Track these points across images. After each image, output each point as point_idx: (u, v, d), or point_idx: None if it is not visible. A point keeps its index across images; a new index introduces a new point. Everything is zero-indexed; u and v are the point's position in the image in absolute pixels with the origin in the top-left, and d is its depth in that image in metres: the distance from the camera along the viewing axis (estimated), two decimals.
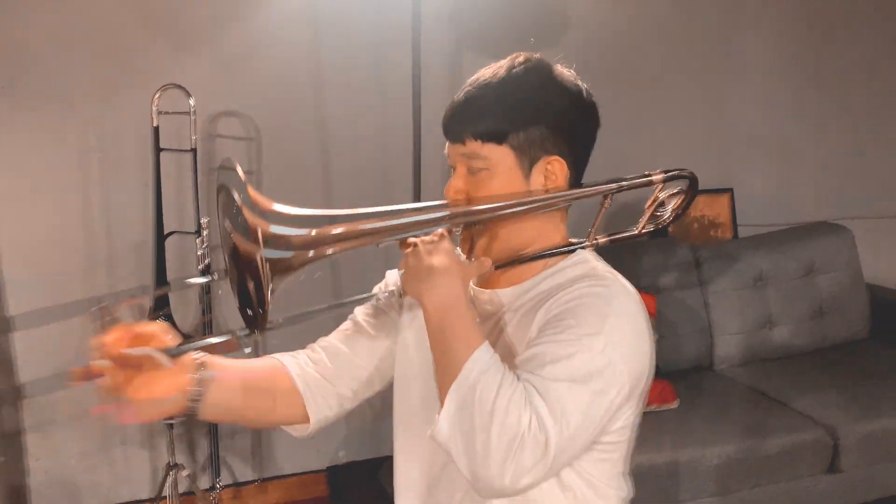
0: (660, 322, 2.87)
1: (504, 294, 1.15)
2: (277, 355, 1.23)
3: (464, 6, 2.83)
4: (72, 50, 2.51)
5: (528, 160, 1.10)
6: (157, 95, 2.35)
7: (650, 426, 2.48)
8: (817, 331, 3.14)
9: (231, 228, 0.98)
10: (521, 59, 1.13)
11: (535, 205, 1.11)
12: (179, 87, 2.36)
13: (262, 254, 0.91)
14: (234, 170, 0.96)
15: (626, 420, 1.10)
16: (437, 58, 2.76)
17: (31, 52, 2.47)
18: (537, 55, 1.14)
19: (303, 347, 1.27)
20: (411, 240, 1.06)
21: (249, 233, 0.92)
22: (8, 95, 2.47)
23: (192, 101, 2.37)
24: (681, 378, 2.85)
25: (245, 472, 2.91)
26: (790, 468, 2.50)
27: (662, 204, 1.20)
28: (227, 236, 1.00)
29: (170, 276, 2.46)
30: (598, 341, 1.00)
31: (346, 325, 1.30)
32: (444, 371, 0.99)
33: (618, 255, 3.00)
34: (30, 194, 2.55)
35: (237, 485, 2.90)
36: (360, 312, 1.29)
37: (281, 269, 0.96)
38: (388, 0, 2.63)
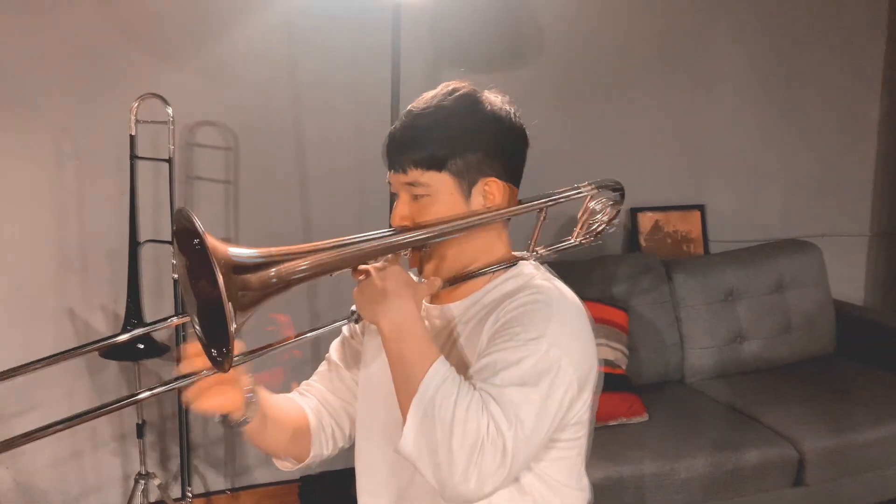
0: (631, 336, 2.92)
1: (454, 308, 1.23)
2: (294, 397, 1.34)
3: (442, 21, 2.87)
4: (49, 58, 2.50)
5: (466, 183, 1.18)
6: (135, 104, 2.35)
7: (619, 439, 2.55)
8: (786, 346, 3.20)
9: (191, 271, 1.04)
10: (450, 88, 1.21)
11: (476, 224, 1.18)
12: (158, 96, 2.37)
13: (225, 297, 0.95)
14: (192, 220, 0.99)
15: (579, 416, 1.16)
16: (416, 72, 2.79)
17: (7, 60, 2.47)
18: (465, 84, 1.22)
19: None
20: (363, 267, 1.13)
21: (213, 278, 0.95)
22: None
23: (170, 111, 2.38)
24: (651, 391, 2.89)
25: (217, 482, 2.91)
26: (757, 482, 2.54)
27: (594, 213, 1.30)
28: (186, 279, 1.05)
29: (144, 285, 2.46)
30: (543, 343, 1.07)
31: (323, 367, 1.39)
32: (405, 387, 1.05)
33: (590, 268, 3.06)
34: (4, 200, 2.54)
35: (209, 494, 2.89)
36: (333, 351, 1.39)
37: (243, 306, 1.00)
38: (367, 13, 2.65)
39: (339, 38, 2.75)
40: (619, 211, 1.32)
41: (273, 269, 1.03)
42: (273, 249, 1.05)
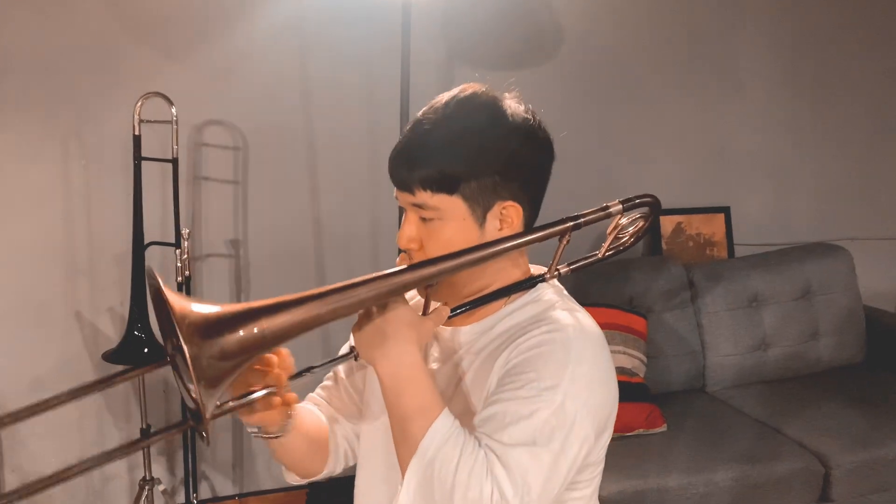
0: (650, 343, 2.82)
1: (465, 332, 1.13)
2: (314, 410, 1.25)
3: (455, 19, 2.79)
4: (55, 58, 2.47)
5: (481, 208, 1.05)
6: (139, 104, 2.30)
7: (636, 451, 2.46)
8: (813, 354, 3.08)
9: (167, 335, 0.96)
10: (467, 93, 1.07)
11: (493, 256, 1.05)
12: (162, 95, 2.32)
13: (194, 377, 0.86)
14: (155, 278, 0.90)
15: (596, 456, 1.08)
16: (427, 70, 2.72)
17: (13, 59, 2.44)
18: (484, 89, 1.08)
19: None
20: None
21: (182, 352, 0.86)
22: None
23: (174, 110, 2.33)
24: (671, 401, 2.80)
25: (226, 487, 2.86)
26: (781, 497, 2.44)
27: (625, 227, 1.18)
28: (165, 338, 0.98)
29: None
30: (558, 395, 0.98)
31: (329, 382, 1.30)
32: (403, 444, 0.97)
33: (609, 272, 2.96)
34: (11, 202, 2.51)
35: (217, 499, 2.85)
36: (340, 366, 1.29)
37: (216, 377, 0.90)
38: (377, 10, 2.59)
39: (350, 36, 2.68)
40: (649, 223, 1.18)
41: (255, 328, 0.91)
42: (254, 304, 0.93)
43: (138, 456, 2.62)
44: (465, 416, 1.03)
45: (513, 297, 1.11)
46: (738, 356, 2.98)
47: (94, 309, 2.61)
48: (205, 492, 2.83)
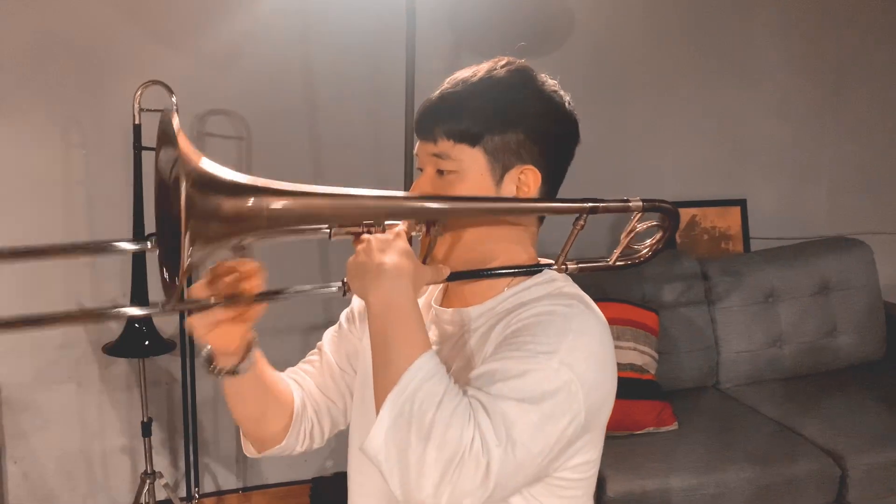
0: (663, 338, 2.75)
1: (466, 313, 1.08)
2: (284, 376, 1.19)
3: (462, 7, 2.72)
4: (55, 46, 2.43)
5: (500, 167, 1.03)
6: (138, 93, 2.26)
7: (645, 450, 2.40)
8: (830, 351, 3.00)
9: (160, 182, 0.91)
10: (503, 62, 1.07)
11: (504, 211, 1.04)
12: (161, 83, 2.28)
13: (184, 214, 0.81)
14: (171, 121, 0.86)
15: (586, 456, 1.03)
16: (434, 58, 2.66)
17: (13, 48, 2.40)
18: (522, 60, 1.08)
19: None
20: (365, 236, 0.98)
21: (174, 189, 0.83)
22: None
23: (174, 99, 2.29)
24: (683, 398, 2.73)
25: (229, 480, 2.84)
26: (793, 499, 2.36)
27: (640, 236, 1.11)
28: (157, 192, 0.93)
29: (149, 278, 2.38)
30: (554, 360, 0.92)
31: (313, 357, 1.24)
32: (384, 377, 0.90)
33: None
34: (12, 192, 2.48)
35: (220, 493, 2.82)
36: (326, 342, 1.24)
37: (204, 236, 0.85)
38: None
39: (355, 25, 2.63)
40: (668, 238, 1.12)
41: (252, 199, 0.88)
42: (258, 180, 0.91)
43: (141, 449, 2.59)
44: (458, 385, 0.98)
45: (517, 279, 1.07)
46: (753, 352, 2.91)
47: (95, 300, 2.58)
48: (208, 485, 2.81)
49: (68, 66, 2.45)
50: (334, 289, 1.00)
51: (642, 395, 2.54)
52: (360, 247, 0.97)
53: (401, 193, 1.02)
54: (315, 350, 1.25)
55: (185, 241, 0.81)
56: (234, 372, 1.03)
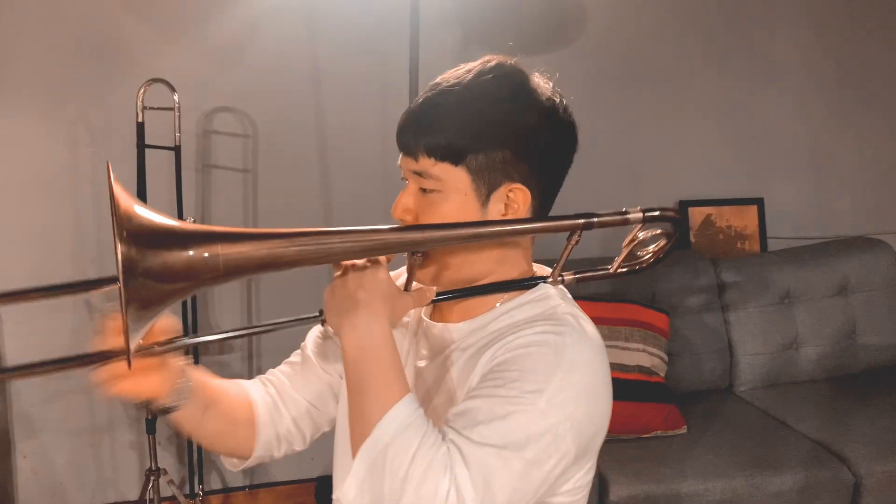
0: (674, 340, 2.70)
1: (455, 329, 1.03)
2: (245, 383, 1.16)
3: (472, 1, 2.69)
4: (62, 44, 2.45)
5: (486, 186, 0.96)
6: (141, 91, 2.26)
7: (651, 454, 2.35)
8: (848, 354, 2.92)
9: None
10: (492, 64, 0.99)
11: (489, 235, 0.96)
12: (164, 81, 2.27)
13: (123, 277, 0.78)
14: (108, 171, 0.83)
15: (577, 482, 0.98)
16: (443, 55, 2.63)
17: (19, 46, 2.42)
18: (512, 61, 1.00)
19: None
20: (345, 262, 0.94)
21: (117, 250, 0.78)
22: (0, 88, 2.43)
23: (176, 97, 2.28)
24: (695, 400, 2.68)
25: (236, 478, 2.84)
26: None
27: (643, 243, 1.04)
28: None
29: None
30: (541, 400, 0.87)
31: (295, 358, 1.21)
32: (358, 425, 0.87)
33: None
34: (20, 189, 2.50)
35: (227, 490, 2.82)
36: (310, 341, 1.20)
37: (149, 298, 0.82)
38: None
39: (361, 19, 2.60)
40: (672, 244, 1.05)
41: (204, 250, 0.82)
42: (213, 227, 0.86)
43: (147, 446, 2.60)
44: (441, 411, 0.95)
45: (510, 295, 1.01)
46: (768, 355, 2.84)
47: (102, 295, 2.58)
48: (215, 482, 2.81)
49: (76, 64, 2.47)
50: (314, 319, 0.97)
51: (650, 398, 2.49)
52: (337, 276, 0.94)
53: (371, 227, 0.93)
54: (298, 351, 1.21)
55: (128, 311, 0.78)
56: (172, 408, 1.01)
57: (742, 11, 3.02)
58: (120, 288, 0.78)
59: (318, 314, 0.96)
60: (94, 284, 0.98)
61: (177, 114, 2.30)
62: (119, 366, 0.91)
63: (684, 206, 3.06)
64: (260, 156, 2.66)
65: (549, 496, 0.95)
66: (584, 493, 1.02)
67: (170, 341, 0.95)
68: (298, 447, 1.19)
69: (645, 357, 2.55)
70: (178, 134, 2.31)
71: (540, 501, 0.94)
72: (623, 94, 2.94)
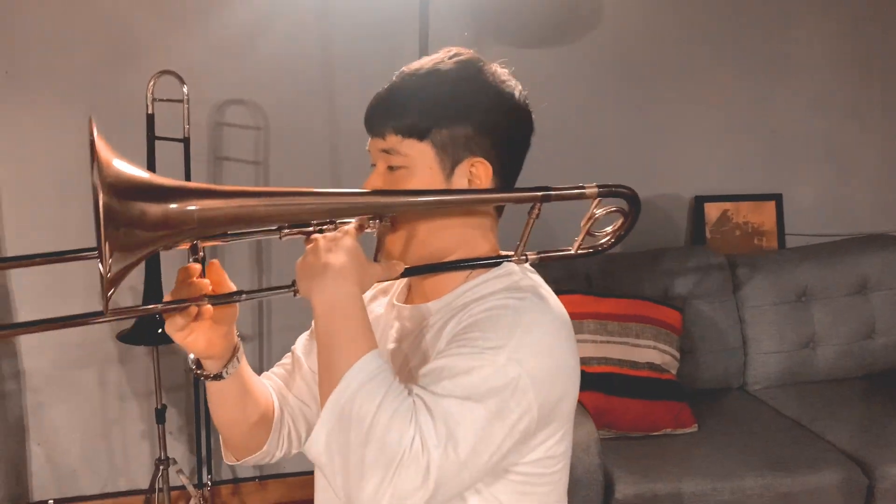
0: (687, 337, 2.67)
1: (425, 309, 1.07)
2: (266, 380, 1.19)
3: None
4: (73, 36, 2.46)
5: (450, 160, 1.02)
6: (151, 82, 2.27)
7: (659, 452, 2.32)
8: (866, 354, 2.87)
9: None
10: (452, 52, 1.07)
11: (452, 203, 1.02)
12: (173, 73, 2.28)
13: (103, 224, 0.80)
14: (91, 125, 0.85)
15: (549, 450, 1.00)
16: (454, 45, 2.61)
17: (32, 39, 2.44)
18: (471, 52, 1.07)
19: None
20: (315, 235, 0.97)
21: (96, 197, 0.80)
22: (8, 82, 2.45)
23: (185, 89, 2.29)
24: (706, 399, 2.65)
25: (245, 469, 2.85)
26: None
27: (600, 222, 1.06)
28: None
29: (164, 262, 2.40)
30: (501, 355, 0.91)
31: (287, 360, 1.23)
32: (327, 379, 0.89)
33: (645, 262, 2.82)
34: (32, 181, 2.53)
35: (237, 481, 2.84)
36: (299, 344, 1.23)
37: (129, 244, 0.84)
38: None
39: (372, 13, 2.59)
40: (630, 224, 1.06)
41: (178, 202, 0.86)
42: (188, 183, 0.90)
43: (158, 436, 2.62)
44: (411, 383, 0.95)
45: (476, 272, 1.05)
46: (783, 354, 2.79)
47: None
48: (225, 473, 2.83)
49: (88, 56, 2.48)
50: (286, 290, 0.98)
51: (660, 396, 2.46)
52: (308, 247, 0.96)
53: (341, 190, 1.00)
54: (289, 354, 1.24)
55: (106, 250, 0.80)
56: (218, 376, 1.03)
57: (760, 4, 2.96)
58: (100, 234, 0.80)
59: (290, 284, 0.98)
60: (77, 253, 1.01)
61: (186, 105, 2.30)
62: (175, 319, 0.94)
63: (700, 201, 3.02)
64: (271, 148, 2.66)
65: (515, 464, 0.97)
66: (560, 467, 1.03)
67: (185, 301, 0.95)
68: (295, 448, 1.20)
69: (656, 354, 2.52)
70: (187, 126, 2.32)
71: (506, 468, 0.97)
72: (638, 88, 2.90)
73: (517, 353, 0.91)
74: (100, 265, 0.83)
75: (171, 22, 2.52)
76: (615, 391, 2.42)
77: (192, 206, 0.87)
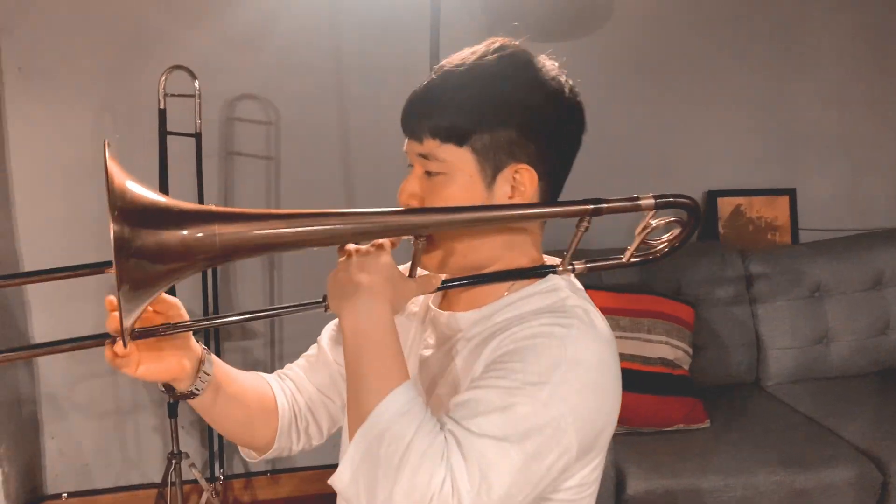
0: (699, 333, 2.66)
1: (462, 319, 1.01)
2: (265, 376, 1.16)
3: None
4: (86, 32, 2.47)
5: (491, 167, 0.95)
6: (163, 77, 2.28)
7: (672, 448, 2.31)
8: (881, 350, 2.84)
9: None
10: (496, 45, 0.98)
11: (494, 220, 0.95)
12: (185, 68, 2.28)
13: (116, 257, 0.77)
14: (104, 148, 0.80)
15: (584, 478, 0.95)
16: (464, 40, 2.58)
17: (45, 35, 2.45)
18: (517, 43, 0.99)
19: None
20: (349, 246, 0.93)
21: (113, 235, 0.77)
22: (23, 77, 2.46)
23: (196, 84, 2.29)
24: (720, 395, 2.63)
25: (257, 463, 2.83)
26: None
27: (656, 231, 1.01)
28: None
29: None
30: (543, 392, 0.85)
31: (312, 351, 1.21)
32: (355, 410, 0.86)
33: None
34: (46, 178, 2.54)
35: (249, 475, 2.85)
36: (325, 336, 1.20)
37: (143, 279, 0.81)
38: None
39: (383, 7, 2.58)
40: (688, 235, 1.02)
41: (200, 230, 0.82)
42: (208, 206, 0.85)
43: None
44: (445, 402, 0.93)
45: (519, 284, 0.99)
46: (797, 349, 2.78)
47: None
48: (238, 467, 2.84)
49: (100, 52, 2.49)
50: (317, 305, 0.96)
51: (672, 391, 2.45)
52: (340, 260, 0.93)
53: (372, 210, 0.92)
54: (314, 344, 1.21)
55: (121, 291, 0.77)
56: (190, 394, 1.00)
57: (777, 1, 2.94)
58: (115, 267, 0.77)
59: (321, 300, 0.95)
60: (91, 268, 0.99)
61: (197, 101, 2.31)
62: (125, 348, 0.89)
63: (713, 196, 3.00)
64: (282, 143, 2.67)
65: (552, 492, 0.93)
66: (591, 491, 0.99)
67: (172, 325, 0.95)
68: (316, 441, 1.19)
69: (668, 350, 2.51)
70: (198, 121, 2.32)
71: (542, 496, 0.92)
72: (650, 82, 2.88)
73: (560, 390, 0.85)
74: (115, 297, 0.80)
75: (183, 17, 2.52)
76: (627, 386, 2.37)
77: (214, 233, 0.83)
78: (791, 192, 3.04)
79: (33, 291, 2.58)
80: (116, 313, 0.89)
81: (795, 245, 3.00)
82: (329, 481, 0.84)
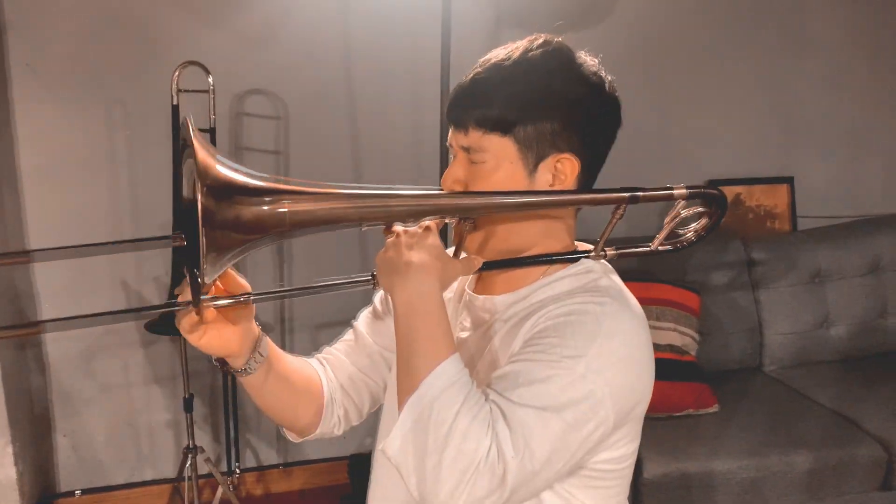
0: (705, 319, 2.71)
1: (499, 301, 1.06)
2: (311, 361, 1.20)
3: None
4: (98, 27, 2.46)
5: (534, 156, 1.00)
6: (176, 73, 2.28)
7: (684, 432, 2.36)
8: (880, 333, 2.92)
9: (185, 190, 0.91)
10: (539, 41, 1.02)
11: (537, 205, 1.01)
12: (198, 64, 2.29)
13: (202, 224, 0.82)
14: (188, 125, 0.86)
15: (621, 451, 1.00)
16: (474, 34, 2.62)
17: (57, 30, 2.44)
18: (559, 38, 1.03)
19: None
20: (396, 227, 0.98)
21: (193, 198, 0.83)
22: (36, 72, 2.45)
23: (210, 80, 2.30)
24: (725, 380, 2.69)
25: (270, 456, 2.88)
26: (838, 485, 2.31)
27: (685, 221, 1.07)
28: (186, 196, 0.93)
29: None
30: (580, 365, 0.90)
31: (348, 336, 1.25)
32: (406, 380, 0.90)
33: None
34: (58, 172, 2.53)
35: (261, 468, 2.87)
36: (361, 320, 1.24)
37: (222, 246, 0.86)
38: None
39: (395, 2, 2.60)
40: (714, 225, 1.08)
41: (274, 205, 0.88)
42: (278, 183, 0.90)
43: (185, 424, 2.64)
44: (483, 379, 0.97)
45: (553, 268, 1.04)
46: (798, 334, 2.84)
47: (138, 278, 2.63)
48: (249, 461, 2.86)
49: (113, 47, 2.48)
50: (366, 282, 1.00)
51: (682, 377, 2.50)
52: (389, 240, 0.97)
53: (428, 191, 0.99)
54: (350, 329, 1.25)
55: (204, 249, 0.82)
56: (244, 371, 1.04)
57: None
58: (199, 234, 0.82)
59: (370, 276, 0.99)
60: (156, 240, 1.03)
61: (211, 96, 2.32)
62: (207, 313, 0.94)
63: (713, 184, 3.04)
64: (291, 137, 2.68)
65: (591, 458, 0.98)
66: (629, 463, 1.04)
67: (234, 297, 0.98)
68: (355, 421, 1.22)
69: (676, 336, 2.56)
70: (213, 116, 2.33)
71: (581, 464, 0.97)
72: (652, 71, 2.92)
73: (596, 363, 0.90)
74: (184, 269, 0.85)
75: (195, 13, 2.52)
76: None
77: (283, 209, 0.88)
78: (790, 181, 3.10)
79: (43, 282, 2.57)
80: (190, 286, 0.93)
81: (795, 232, 3.06)
82: (380, 448, 0.88)
